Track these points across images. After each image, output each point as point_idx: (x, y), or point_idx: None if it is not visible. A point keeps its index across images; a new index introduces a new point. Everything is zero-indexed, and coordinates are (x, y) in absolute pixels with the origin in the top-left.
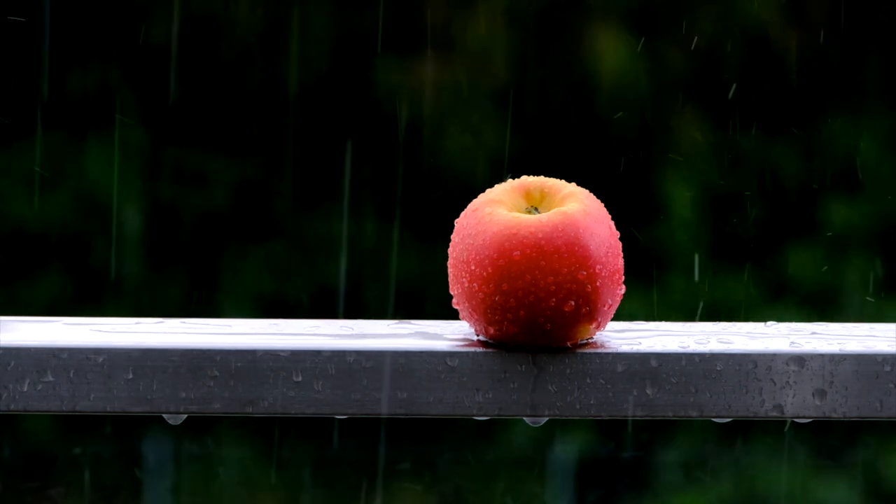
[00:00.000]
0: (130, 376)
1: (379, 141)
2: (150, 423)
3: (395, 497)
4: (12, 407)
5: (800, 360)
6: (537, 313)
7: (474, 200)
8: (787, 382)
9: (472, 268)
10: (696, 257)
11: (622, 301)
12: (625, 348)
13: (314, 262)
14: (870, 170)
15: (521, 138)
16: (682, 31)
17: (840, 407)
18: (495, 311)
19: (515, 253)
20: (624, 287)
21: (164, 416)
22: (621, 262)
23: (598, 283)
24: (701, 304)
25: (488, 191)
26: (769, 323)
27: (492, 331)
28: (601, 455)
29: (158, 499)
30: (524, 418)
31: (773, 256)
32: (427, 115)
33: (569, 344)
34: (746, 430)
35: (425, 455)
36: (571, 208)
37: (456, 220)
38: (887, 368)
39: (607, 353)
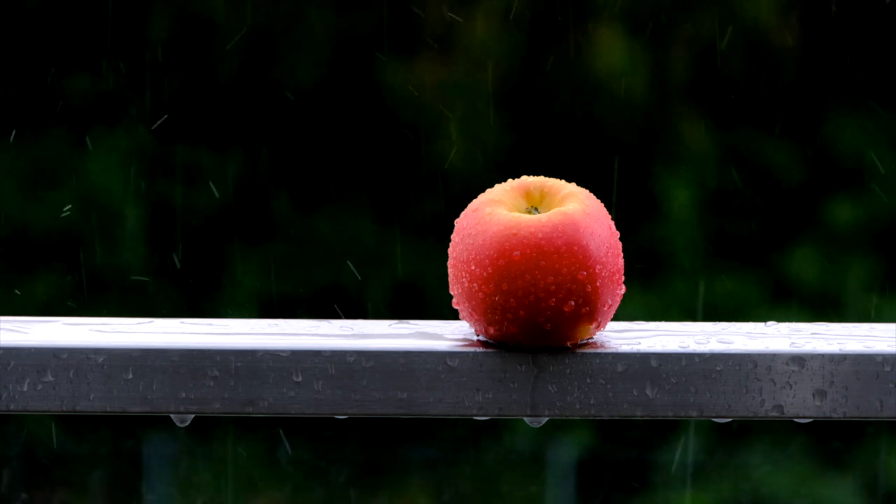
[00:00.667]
0: (130, 376)
1: (379, 141)
2: (150, 423)
3: (396, 497)
4: (12, 407)
5: (800, 360)
6: (537, 313)
7: (474, 200)
8: (787, 382)
9: (473, 268)
10: (696, 257)
11: (622, 301)
12: (625, 348)
13: (314, 263)
14: (870, 170)
15: (522, 138)
16: (682, 31)
17: (840, 407)
18: (495, 311)
19: (515, 253)
20: (624, 287)
21: (171, 416)
22: (621, 262)
23: (598, 283)
24: (701, 305)
25: (488, 191)
26: (769, 323)
27: (492, 331)
28: (601, 455)
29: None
30: (524, 419)
31: (774, 256)
32: (427, 115)
33: (569, 344)
34: (747, 431)
35: (425, 455)
36: (571, 208)
37: (456, 220)
38: (887, 368)
39: (607, 353)
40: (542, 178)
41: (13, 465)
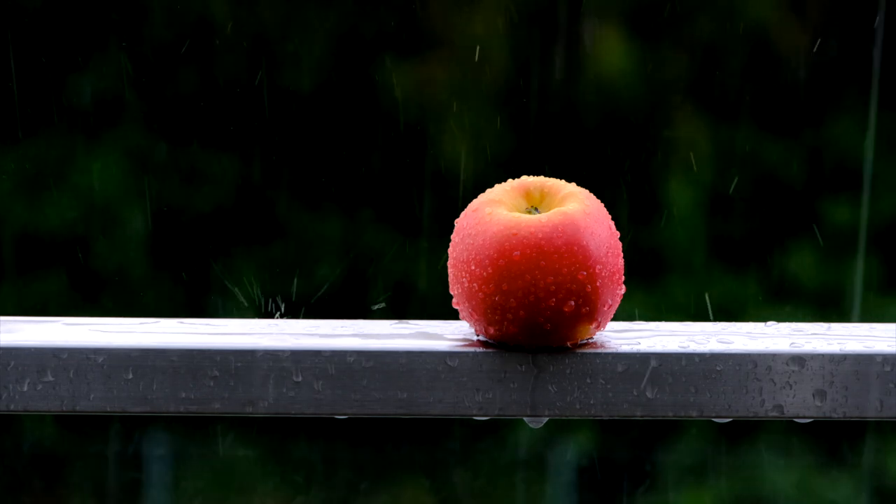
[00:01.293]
0: (130, 376)
1: (379, 141)
2: (150, 423)
3: (396, 497)
4: (12, 407)
5: (800, 360)
6: (537, 313)
7: (474, 200)
8: (787, 382)
9: (473, 268)
10: (697, 257)
11: (622, 301)
12: (625, 348)
13: (315, 263)
14: (871, 170)
15: (522, 138)
16: (682, 30)
17: (840, 407)
18: (495, 311)
19: (515, 253)
20: (624, 287)
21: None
22: (621, 262)
23: (598, 283)
24: (701, 305)
25: (488, 191)
26: (769, 323)
27: (492, 331)
28: (601, 455)
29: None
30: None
31: (774, 256)
32: (427, 115)
33: (569, 344)
34: (747, 431)
35: (425, 455)
36: (571, 208)
37: (456, 220)
38: (887, 368)
39: (607, 353)
40: (542, 178)
41: (13, 465)
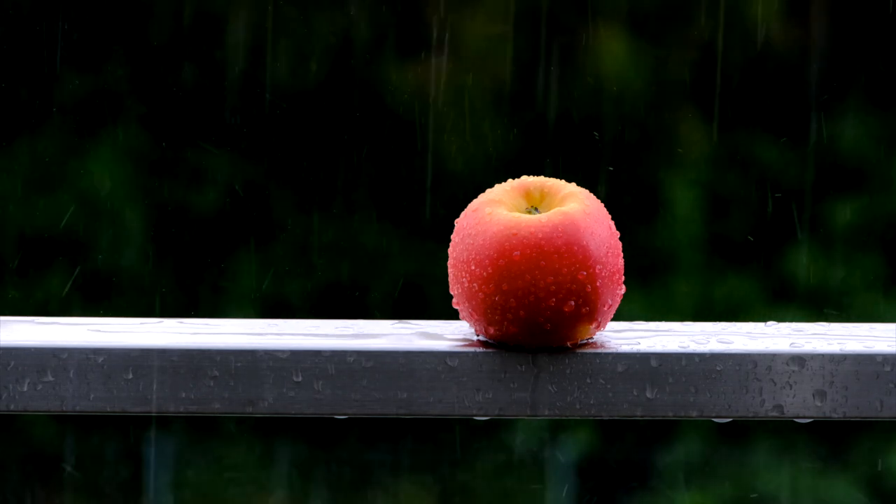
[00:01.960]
0: (130, 376)
1: (379, 141)
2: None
3: (396, 497)
4: (12, 407)
5: (800, 360)
6: (537, 313)
7: (474, 200)
8: (787, 382)
9: (473, 268)
10: (697, 257)
11: (622, 301)
12: (625, 348)
13: (315, 263)
14: (871, 169)
15: (522, 138)
16: (683, 31)
17: (840, 407)
18: (495, 311)
19: (515, 253)
20: (624, 287)
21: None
22: (621, 262)
23: (598, 283)
24: (701, 305)
25: (488, 191)
26: (769, 323)
27: (492, 331)
28: (601, 455)
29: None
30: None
31: (774, 256)
32: (428, 115)
33: (569, 344)
34: (747, 431)
35: (425, 455)
36: (571, 208)
37: (456, 220)
38: (887, 368)
39: (607, 353)
40: (542, 178)
41: (13, 465)
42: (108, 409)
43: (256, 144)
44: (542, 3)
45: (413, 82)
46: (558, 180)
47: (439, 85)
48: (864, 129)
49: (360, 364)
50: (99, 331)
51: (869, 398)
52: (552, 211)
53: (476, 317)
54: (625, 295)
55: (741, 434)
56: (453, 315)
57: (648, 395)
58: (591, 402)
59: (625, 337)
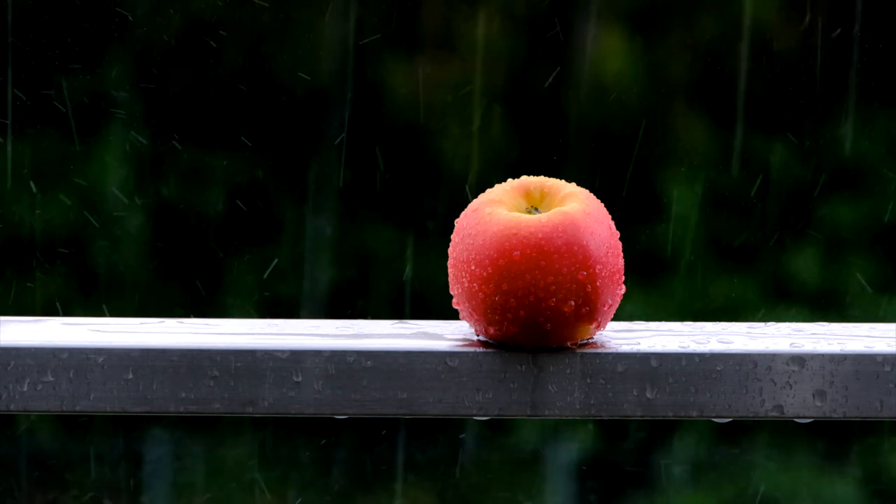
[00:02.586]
0: (130, 376)
1: (380, 141)
2: (150, 423)
3: (395, 497)
4: (12, 407)
5: (800, 360)
6: (537, 313)
7: (474, 200)
8: (787, 382)
9: (473, 268)
10: (697, 257)
11: (622, 301)
12: (625, 348)
13: (315, 263)
14: (871, 169)
15: (522, 138)
16: (683, 31)
17: (840, 407)
18: (495, 311)
19: (515, 253)
20: (624, 287)
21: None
22: (621, 262)
23: (598, 283)
24: (701, 304)
25: (488, 191)
26: (769, 323)
27: (492, 331)
28: (601, 455)
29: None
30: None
31: (774, 256)
32: (427, 115)
33: (569, 344)
34: (747, 431)
35: (425, 455)
36: (571, 208)
37: (456, 220)
38: (887, 368)
39: (607, 353)
40: (542, 178)
41: (13, 465)
42: (108, 409)
43: (257, 144)
44: (543, 3)
45: (412, 82)
46: (558, 180)
47: (439, 84)
48: (865, 128)
49: (360, 364)
50: (99, 331)
51: (869, 398)
52: (552, 211)
53: (476, 317)
54: (625, 295)
55: (741, 434)
56: (453, 315)
57: (648, 395)
58: (591, 402)
59: (625, 337)
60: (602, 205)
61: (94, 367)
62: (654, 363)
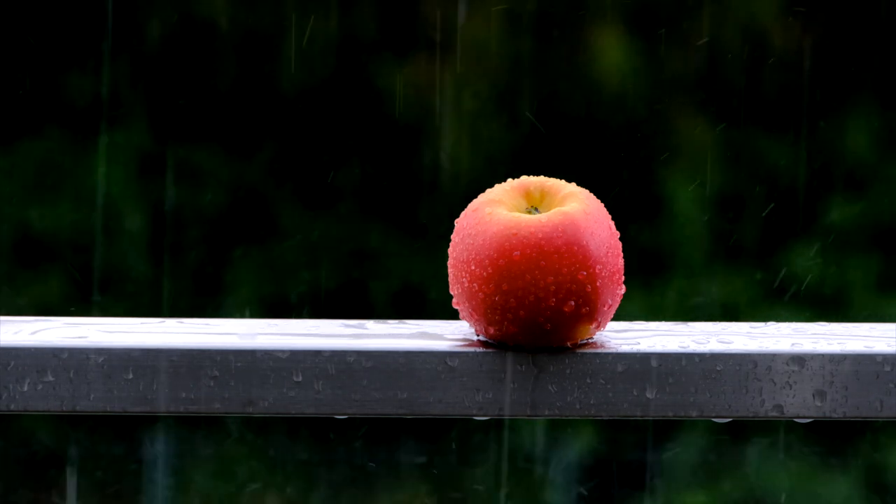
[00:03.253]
0: (130, 376)
1: (380, 141)
2: (150, 423)
3: (395, 497)
4: (12, 407)
5: (800, 360)
6: (537, 313)
7: (474, 200)
8: (787, 382)
9: (472, 268)
10: (697, 257)
11: (622, 301)
12: (625, 348)
13: (315, 263)
14: (871, 169)
15: (522, 138)
16: (683, 30)
17: (840, 407)
18: (495, 311)
19: (515, 253)
20: (624, 287)
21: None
22: (621, 262)
23: (598, 284)
24: (701, 305)
25: (488, 191)
26: (769, 323)
27: (492, 331)
28: (602, 455)
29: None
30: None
31: (774, 256)
32: (427, 115)
33: (569, 344)
34: (747, 430)
35: (425, 455)
36: (571, 208)
37: (456, 220)
38: (887, 368)
39: (607, 353)
40: (542, 177)
41: (13, 465)
42: (108, 409)
43: (257, 144)
44: (543, 2)
45: (412, 82)
46: (558, 180)
47: (439, 84)
48: (866, 128)
49: (360, 364)
50: (99, 331)
51: (869, 398)
52: (552, 211)
53: (476, 317)
54: (625, 295)
55: (741, 434)
56: (453, 315)
57: (648, 395)
58: (591, 402)
59: (625, 337)
60: (602, 205)
61: (94, 367)
62: (654, 363)
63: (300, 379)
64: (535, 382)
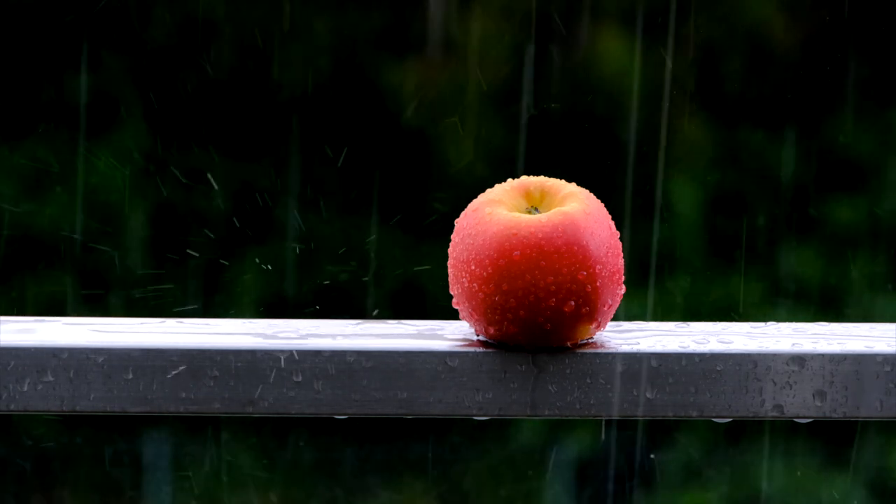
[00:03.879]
0: (130, 376)
1: (380, 141)
2: (150, 423)
3: (395, 496)
4: (12, 407)
5: (800, 360)
6: (537, 313)
7: (474, 200)
8: (787, 382)
9: (473, 268)
10: (697, 257)
11: (622, 301)
12: (625, 348)
13: (315, 263)
14: (872, 168)
15: (522, 138)
16: (683, 30)
17: (840, 407)
18: (495, 311)
19: (515, 253)
20: (624, 287)
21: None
22: (621, 262)
23: (598, 284)
24: (701, 304)
25: (488, 191)
26: (769, 323)
27: (492, 331)
28: (601, 455)
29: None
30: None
31: (774, 256)
32: (427, 115)
33: (569, 344)
34: (747, 430)
35: (425, 455)
36: (571, 208)
37: (456, 220)
38: (887, 368)
39: (607, 353)
40: (542, 178)
41: (13, 465)
42: (108, 409)
43: (257, 144)
44: (542, 2)
45: (412, 82)
46: (558, 180)
47: (439, 84)
48: (866, 127)
49: (360, 364)
50: (99, 331)
51: (869, 398)
52: (552, 211)
53: (476, 317)
54: (625, 295)
55: (741, 434)
56: (453, 315)
57: (648, 395)
58: (591, 402)
59: (625, 337)
60: (602, 205)
61: (94, 367)
62: (654, 363)
63: (300, 379)
64: (535, 382)
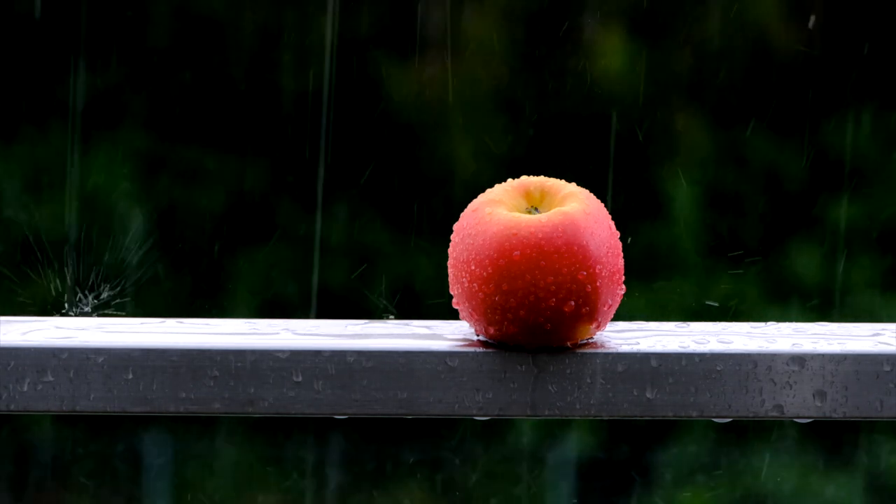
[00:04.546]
0: (130, 376)
1: (380, 141)
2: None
3: (395, 497)
4: (12, 407)
5: (800, 360)
6: (537, 313)
7: (474, 200)
8: (788, 382)
9: (472, 268)
10: (697, 257)
11: (622, 301)
12: (625, 348)
13: (315, 263)
14: (872, 168)
15: (522, 138)
16: (683, 30)
17: (840, 407)
18: (495, 311)
19: (515, 253)
20: (624, 287)
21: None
22: (621, 262)
23: (598, 283)
24: (701, 305)
25: (488, 191)
26: (769, 323)
27: (492, 331)
28: (601, 455)
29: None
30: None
31: (774, 256)
32: (427, 115)
33: (569, 344)
34: (747, 430)
35: (425, 455)
36: (571, 208)
37: (456, 221)
38: (887, 368)
39: (607, 353)
40: (542, 178)
41: (13, 465)
42: (108, 409)
43: (257, 145)
44: (543, 2)
45: (413, 82)
46: (558, 180)
47: (439, 85)
48: (865, 127)
49: (360, 364)
50: (99, 331)
51: (869, 398)
52: (552, 211)
53: (476, 317)
54: (625, 295)
55: (741, 434)
56: (453, 315)
57: (648, 395)
58: (591, 402)
59: (625, 337)
60: (602, 205)
61: (94, 367)
62: (654, 363)
63: (300, 379)
64: (535, 382)
